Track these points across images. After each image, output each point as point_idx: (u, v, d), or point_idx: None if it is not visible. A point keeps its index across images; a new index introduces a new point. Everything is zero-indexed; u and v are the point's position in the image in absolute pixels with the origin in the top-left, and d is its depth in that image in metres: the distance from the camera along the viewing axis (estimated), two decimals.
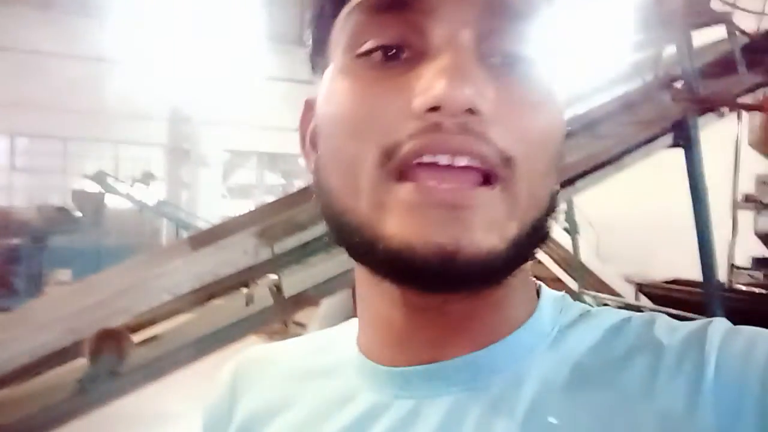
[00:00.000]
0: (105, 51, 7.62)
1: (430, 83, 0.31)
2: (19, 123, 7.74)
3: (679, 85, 2.09)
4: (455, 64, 0.31)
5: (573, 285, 3.35)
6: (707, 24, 2.09)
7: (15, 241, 6.10)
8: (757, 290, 2.44)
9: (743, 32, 2.23)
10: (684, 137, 2.02)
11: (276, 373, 0.45)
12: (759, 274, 2.45)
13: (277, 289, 1.78)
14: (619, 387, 0.33)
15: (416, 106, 0.31)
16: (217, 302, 1.93)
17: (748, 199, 2.85)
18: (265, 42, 8.85)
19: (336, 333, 0.46)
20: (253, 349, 0.49)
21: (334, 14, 0.36)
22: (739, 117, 2.35)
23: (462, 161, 0.31)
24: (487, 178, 0.32)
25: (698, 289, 2.18)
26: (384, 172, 0.32)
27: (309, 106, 0.42)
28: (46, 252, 6.29)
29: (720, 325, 0.34)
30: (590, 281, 3.42)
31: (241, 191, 9.52)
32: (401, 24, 0.33)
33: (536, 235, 0.35)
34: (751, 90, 2.23)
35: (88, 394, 1.59)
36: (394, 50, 0.33)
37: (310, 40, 0.40)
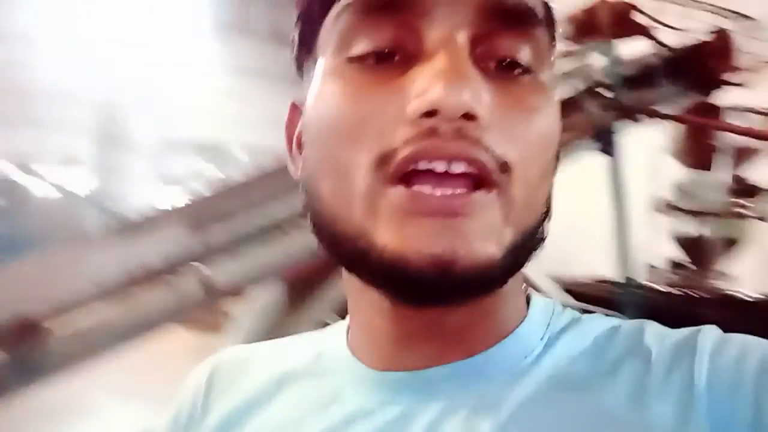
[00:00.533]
0: (29, 30, 7.24)
1: (425, 87, 0.30)
2: None
3: (605, 94, 2.19)
4: (451, 67, 0.30)
5: None
6: (630, 35, 2.20)
7: None
8: (673, 290, 2.58)
9: (666, 46, 2.35)
10: (607, 144, 2.12)
11: (257, 373, 0.44)
12: (675, 275, 2.60)
13: (205, 279, 1.76)
14: (610, 396, 0.33)
15: (411, 110, 0.30)
16: (143, 292, 1.88)
17: (668, 205, 3.00)
18: (208, 30, 8.64)
19: (322, 335, 0.46)
20: (231, 350, 0.48)
21: (324, 13, 0.35)
22: (660, 126, 2.48)
23: (458, 168, 0.30)
24: (483, 184, 0.31)
25: (618, 289, 2.29)
26: (379, 176, 0.31)
27: (295, 108, 0.40)
28: None
29: (710, 333, 0.34)
30: None
31: (175, 180, 9.26)
32: (394, 25, 0.32)
33: (532, 241, 0.34)
34: (672, 101, 2.36)
35: (2, 386, 1.53)
36: (386, 52, 0.32)
37: (296, 39, 0.38)
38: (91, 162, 8.56)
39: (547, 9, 0.35)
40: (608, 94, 2.05)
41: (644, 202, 2.84)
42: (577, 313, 0.40)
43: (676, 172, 3.01)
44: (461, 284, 0.30)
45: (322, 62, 0.35)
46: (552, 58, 0.35)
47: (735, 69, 2.34)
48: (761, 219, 2.57)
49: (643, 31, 2.22)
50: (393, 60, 0.32)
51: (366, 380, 0.38)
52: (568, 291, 3.26)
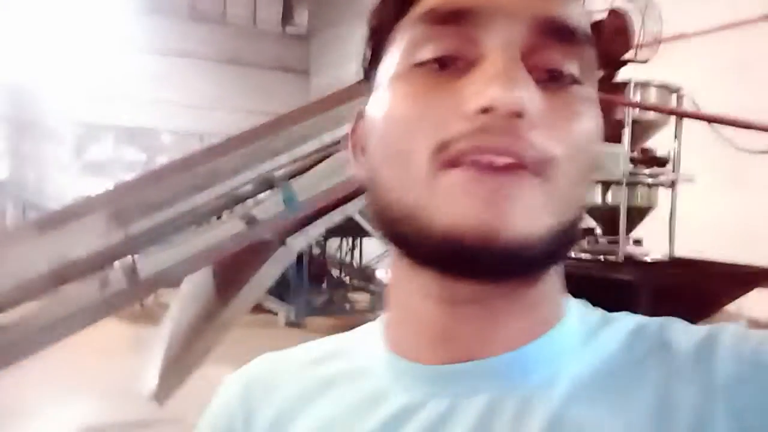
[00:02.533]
0: None
1: (483, 87, 0.33)
2: None
3: None
4: (506, 70, 0.33)
5: None
6: None
7: None
8: (583, 256, 2.73)
9: None
10: None
11: (291, 381, 0.45)
12: (586, 242, 2.77)
13: (131, 270, 1.76)
14: (646, 388, 0.35)
15: (470, 107, 0.33)
16: (69, 287, 1.85)
17: None
18: (126, 11, 8.30)
19: (355, 336, 0.47)
20: (261, 360, 0.49)
21: (392, 27, 0.39)
22: None
23: (504, 160, 0.33)
24: (528, 171, 0.33)
25: None
26: (436, 162, 0.34)
27: (360, 116, 0.44)
28: None
29: (732, 328, 0.36)
30: None
31: (98, 168, 8.89)
32: (456, 36, 0.35)
33: (570, 235, 0.36)
34: None
35: None
36: (448, 59, 0.36)
37: (368, 52, 0.42)
38: (6, 151, 8.13)
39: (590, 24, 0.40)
40: None
41: None
42: (605, 312, 0.42)
43: None
44: (504, 258, 0.33)
45: (390, 69, 0.38)
46: (595, 75, 0.38)
47: (632, 46, 2.49)
48: (665, 186, 2.77)
49: None
50: (454, 66, 0.36)
51: (411, 375, 0.39)
52: None
